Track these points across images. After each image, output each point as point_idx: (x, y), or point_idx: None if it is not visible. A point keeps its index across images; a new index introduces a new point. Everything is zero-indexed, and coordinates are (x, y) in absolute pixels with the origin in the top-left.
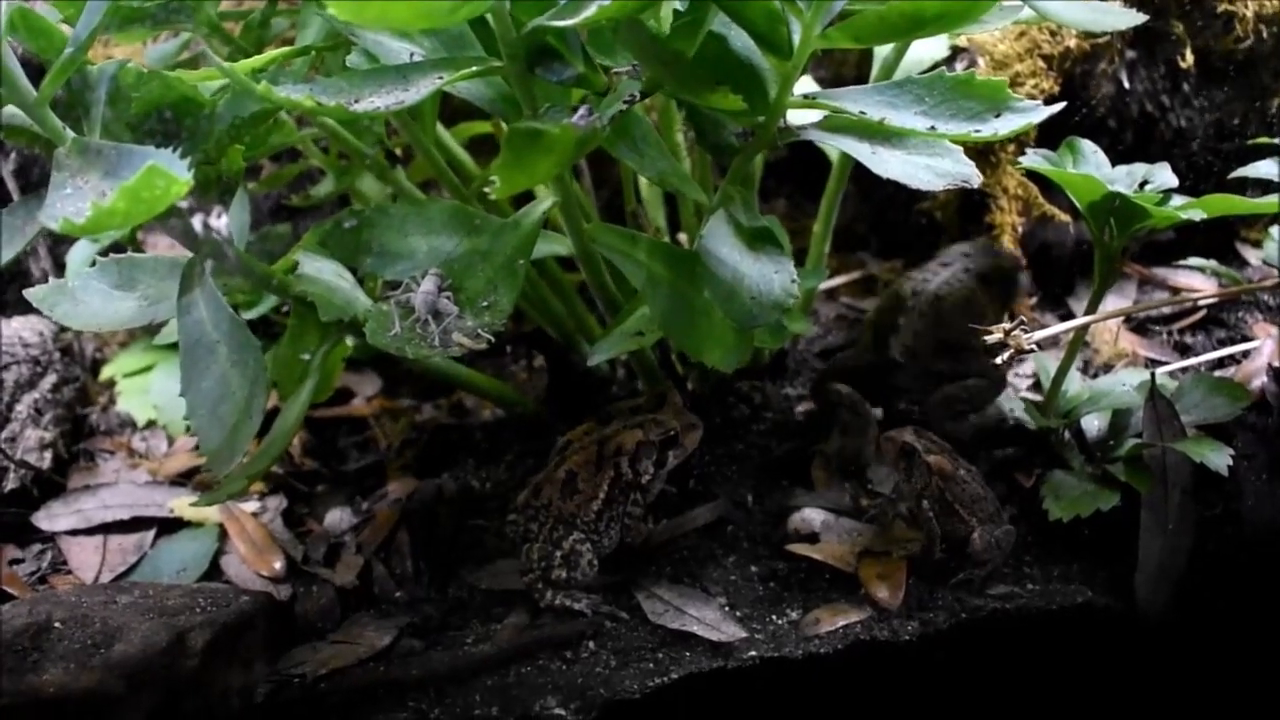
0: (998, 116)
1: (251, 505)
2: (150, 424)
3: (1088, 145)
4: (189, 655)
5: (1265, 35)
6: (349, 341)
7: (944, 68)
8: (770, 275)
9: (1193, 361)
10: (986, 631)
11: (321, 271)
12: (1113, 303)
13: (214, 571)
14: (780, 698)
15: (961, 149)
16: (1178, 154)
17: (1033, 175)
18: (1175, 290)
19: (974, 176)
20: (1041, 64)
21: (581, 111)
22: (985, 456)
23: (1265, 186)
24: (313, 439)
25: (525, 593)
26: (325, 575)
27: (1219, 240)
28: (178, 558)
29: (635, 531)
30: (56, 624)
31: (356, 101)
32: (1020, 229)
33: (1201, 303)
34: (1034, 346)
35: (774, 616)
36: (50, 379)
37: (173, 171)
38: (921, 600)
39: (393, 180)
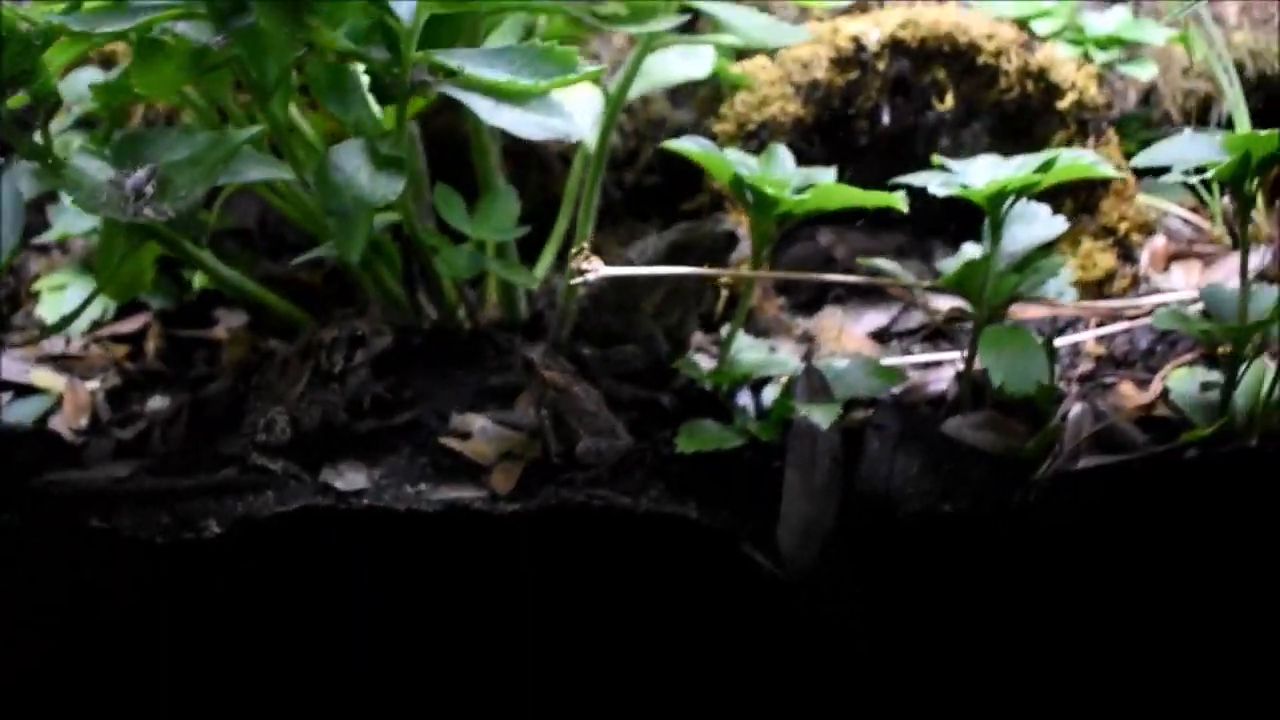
0: (565, 73)
1: (93, 384)
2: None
3: (782, 150)
4: None
5: (1030, 89)
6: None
7: None
8: (381, 182)
9: (897, 361)
10: (572, 518)
11: (87, 165)
12: (869, 319)
13: (43, 422)
14: (379, 540)
15: (575, 114)
16: None
17: None
18: (932, 312)
19: (575, 133)
20: (790, 90)
21: (218, 38)
22: (649, 402)
23: None
24: (170, 349)
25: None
26: (115, 433)
27: None
28: (22, 411)
29: (334, 416)
30: None
31: (95, 27)
32: None
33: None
34: (591, 274)
35: (407, 487)
36: None
37: None
38: (530, 490)
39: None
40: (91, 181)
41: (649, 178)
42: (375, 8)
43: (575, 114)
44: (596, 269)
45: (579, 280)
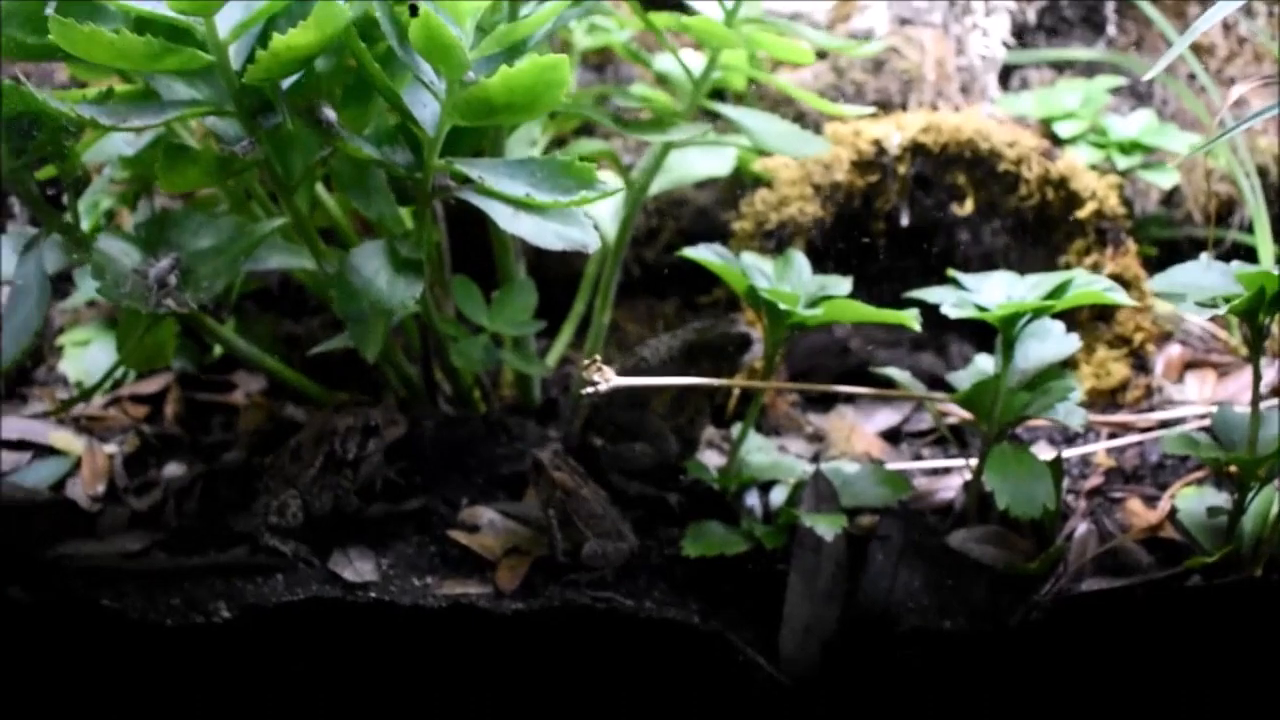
0: (583, 190)
1: (111, 448)
2: (78, 384)
3: (799, 257)
4: None
5: (1051, 197)
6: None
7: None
8: (400, 287)
9: (906, 466)
10: (575, 619)
11: (112, 248)
12: (881, 418)
13: (60, 486)
14: (383, 632)
15: (592, 224)
16: None
17: None
18: (943, 414)
19: (592, 245)
20: (810, 191)
21: (244, 143)
22: (657, 500)
23: None
24: (189, 415)
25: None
26: (130, 502)
27: None
28: (40, 473)
29: (345, 502)
30: None
31: (124, 120)
32: None
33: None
34: (601, 385)
35: (414, 579)
36: None
37: None
38: (534, 589)
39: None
40: (116, 268)
41: (668, 256)
42: (399, 115)
43: (596, 216)
44: (607, 379)
45: (589, 391)
